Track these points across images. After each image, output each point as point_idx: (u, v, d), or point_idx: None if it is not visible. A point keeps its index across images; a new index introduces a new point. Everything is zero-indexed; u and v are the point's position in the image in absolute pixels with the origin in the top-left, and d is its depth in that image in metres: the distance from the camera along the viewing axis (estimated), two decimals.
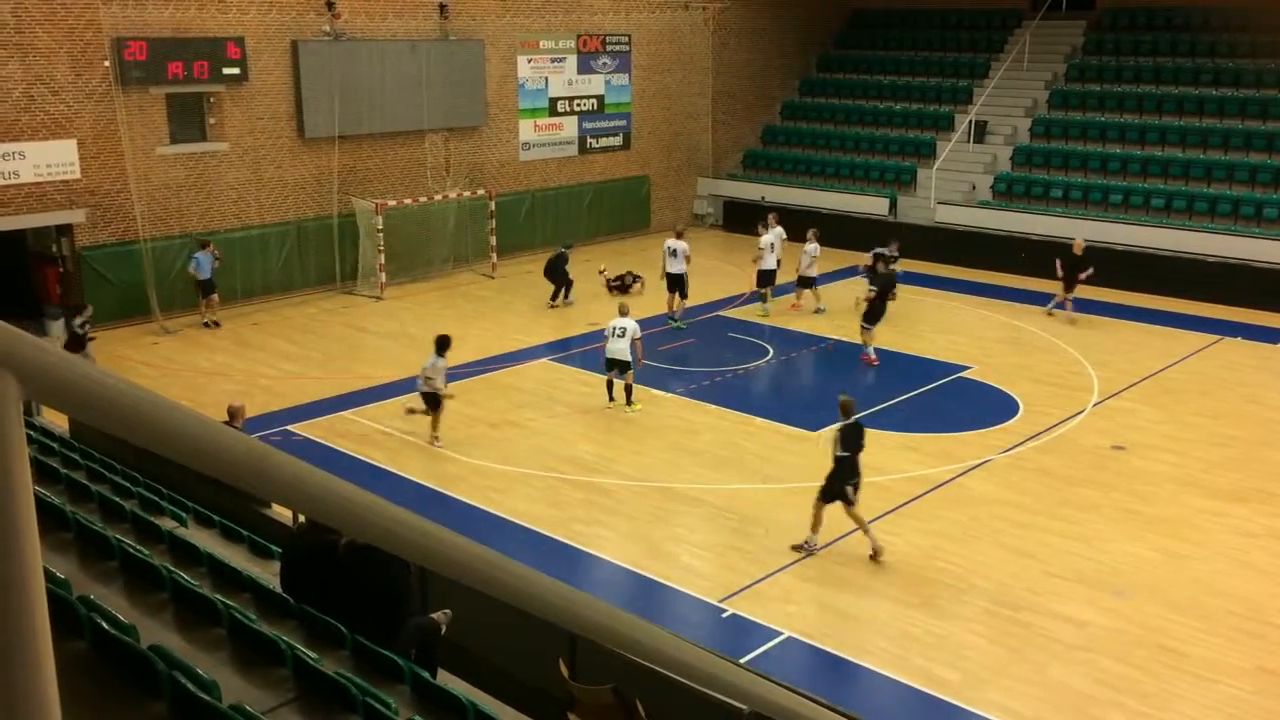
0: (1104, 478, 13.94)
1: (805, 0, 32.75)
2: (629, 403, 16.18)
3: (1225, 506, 13.12)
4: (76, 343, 16.80)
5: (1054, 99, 28.65)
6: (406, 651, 6.21)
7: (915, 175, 28.67)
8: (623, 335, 15.93)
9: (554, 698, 6.80)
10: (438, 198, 24.46)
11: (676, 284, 20.60)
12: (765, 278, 21.30)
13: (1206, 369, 18.45)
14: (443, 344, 14.81)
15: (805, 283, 21.52)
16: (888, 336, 20.32)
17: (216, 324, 20.64)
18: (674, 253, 20.48)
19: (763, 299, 21.45)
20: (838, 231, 27.72)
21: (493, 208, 25.04)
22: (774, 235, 21.81)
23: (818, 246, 21.47)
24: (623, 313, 16.42)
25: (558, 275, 22.32)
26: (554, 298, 22.29)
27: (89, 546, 6.66)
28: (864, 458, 14.54)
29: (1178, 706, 9.21)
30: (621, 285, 23.15)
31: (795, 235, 25.91)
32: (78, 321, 17.04)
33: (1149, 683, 9.52)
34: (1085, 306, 22.49)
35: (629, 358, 15.95)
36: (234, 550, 8.20)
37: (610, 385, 16.29)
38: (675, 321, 20.62)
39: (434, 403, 14.87)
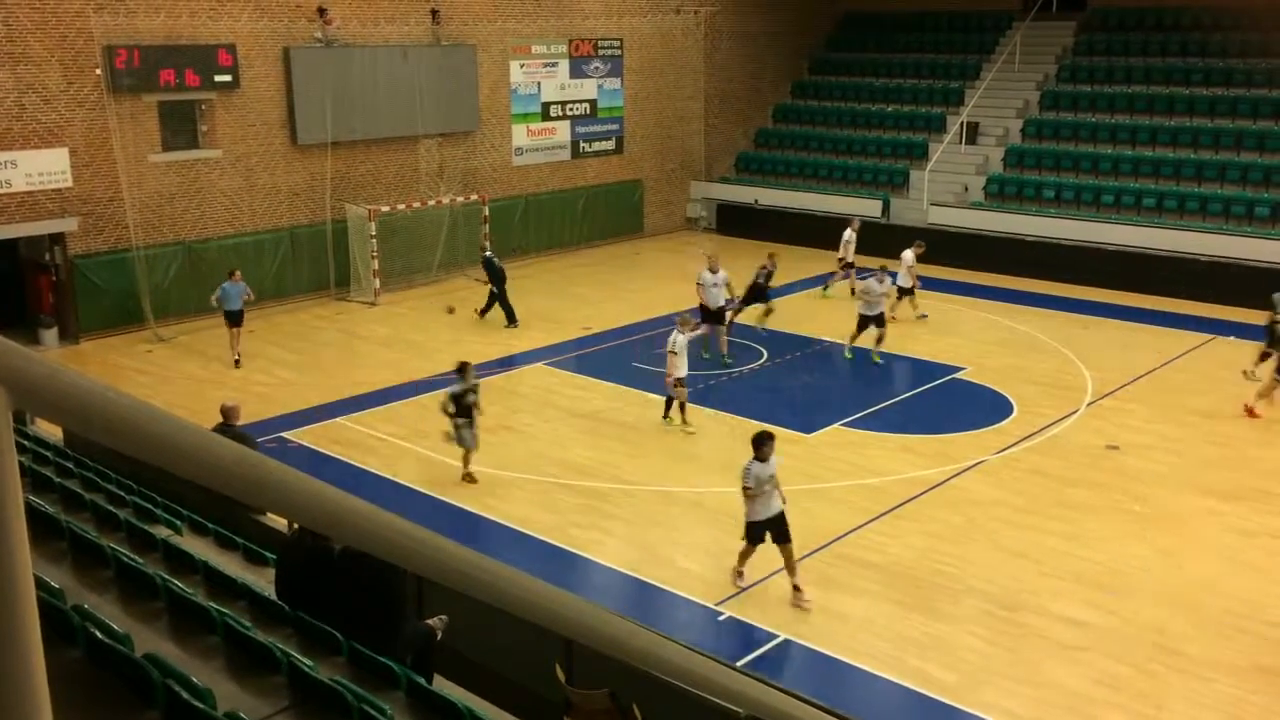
0: (1099, 477, 13.95)
1: (796, 3, 32.78)
2: (683, 420, 15.56)
3: (1221, 505, 13.14)
4: (464, 410, 13.68)
5: (1045, 100, 28.70)
6: (402, 658, 6.20)
7: (908, 177, 28.70)
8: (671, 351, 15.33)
9: (550, 703, 6.79)
10: (431, 203, 24.46)
11: (716, 318, 18.71)
12: (867, 322, 18.82)
13: (1200, 368, 18.48)
14: (759, 442, 10.94)
15: (903, 293, 21.09)
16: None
17: (238, 362, 18.97)
18: (706, 285, 18.63)
19: (852, 338, 19.16)
20: (829, 234, 27.75)
21: (486, 213, 25.04)
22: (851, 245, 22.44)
23: (913, 255, 21.00)
24: (679, 325, 15.78)
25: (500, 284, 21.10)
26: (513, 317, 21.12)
27: (83, 555, 6.64)
28: (858, 460, 14.62)
29: (1175, 705, 9.22)
30: (767, 277, 20.21)
31: (798, 239, 25.99)
32: (460, 389, 13.74)
33: (1146, 682, 9.53)
34: (1077, 307, 22.53)
35: (672, 373, 15.39)
36: (229, 558, 8.18)
37: (669, 402, 15.83)
38: (726, 358, 18.95)
39: (778, 535, 11.05)
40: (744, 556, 11.21)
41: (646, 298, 23.17)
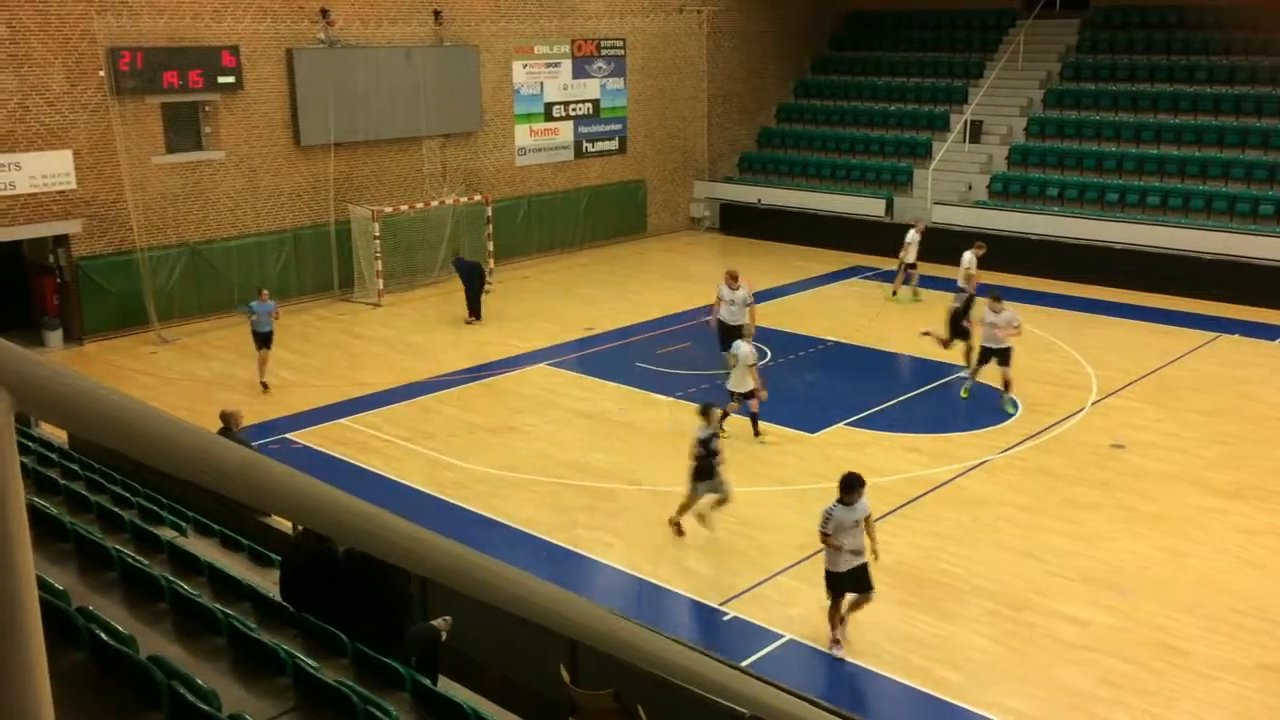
0: (1104, 476, 13.93)
1: (799, 2, 32.76)
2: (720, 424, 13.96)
3: (1226, 504, 13.11)
4: (708, 460, 11.98)
5: (1049, 98, 28.66)
6: (407, 659, 6.20)
7: (911, 176, 28.67)
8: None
9: (555, 703, 6.79)
10: (434, 204, 24.47)
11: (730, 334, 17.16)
12: (990, 355, 16.34)
13: (1205, 366, 18.44)
14: None
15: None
16: (885, 337, 20.34)
17: (265, 386, 17.55)
18: (724, 299, 17.68)
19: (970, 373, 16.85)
20: (834, 233, 27.77)
21: (489, 213, 25.04)
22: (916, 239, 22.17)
23: (973, 256, 19.97)
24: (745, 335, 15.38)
25: (475, 284, 21.42)
26: (477, 313, 21.32)
27: (88, 557, 6.65)
28: (864, 459, 14.59)
29: (1181, 704, 9.20)
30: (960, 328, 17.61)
31: (802, 239, 25.91)
32: (707, 434, 11.99)
33: (1152, 681, 9.51)
34: (1082, 305, 22.51)
35: (736, 387, 14.95)
36: (234, 559, 8.19)
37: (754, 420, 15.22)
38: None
39: (860, 584, 10.05)
40: (832, 617, 10.04)
41: (650, 298, 23.16)
